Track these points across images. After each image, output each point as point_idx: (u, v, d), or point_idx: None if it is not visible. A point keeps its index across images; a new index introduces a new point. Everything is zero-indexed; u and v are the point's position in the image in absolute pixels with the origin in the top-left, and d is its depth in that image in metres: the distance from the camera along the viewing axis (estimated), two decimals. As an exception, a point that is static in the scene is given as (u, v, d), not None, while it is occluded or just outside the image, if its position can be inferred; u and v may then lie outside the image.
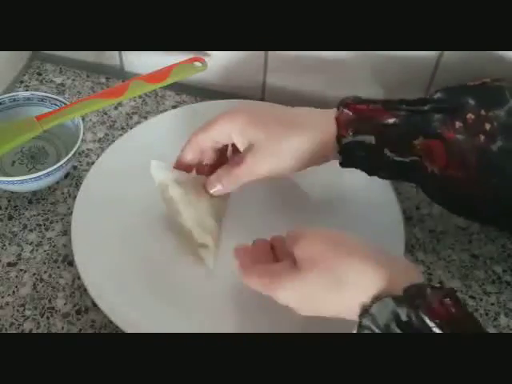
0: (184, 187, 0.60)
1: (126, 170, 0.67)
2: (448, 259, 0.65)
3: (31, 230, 0.67)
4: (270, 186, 0.64)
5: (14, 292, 0.62)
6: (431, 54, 0.68)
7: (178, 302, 0.59)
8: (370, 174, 0.59)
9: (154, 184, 0.61)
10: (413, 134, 0.55)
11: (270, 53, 0.74)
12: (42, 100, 0.71)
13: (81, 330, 0.59)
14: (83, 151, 0.73)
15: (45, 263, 0.64)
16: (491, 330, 0.60)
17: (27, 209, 0.68)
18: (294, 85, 0.76)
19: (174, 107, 0.78)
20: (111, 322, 0.57)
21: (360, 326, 0.46)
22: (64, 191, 0.70)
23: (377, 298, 0.45)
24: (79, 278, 0.60)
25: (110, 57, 0.81)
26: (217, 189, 0.60)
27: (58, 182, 0.70)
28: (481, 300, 0.63)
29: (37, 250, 0.65)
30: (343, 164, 0.58)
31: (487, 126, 0.53)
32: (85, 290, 0.59)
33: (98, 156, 0.69)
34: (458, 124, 0.54)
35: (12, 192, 0.69)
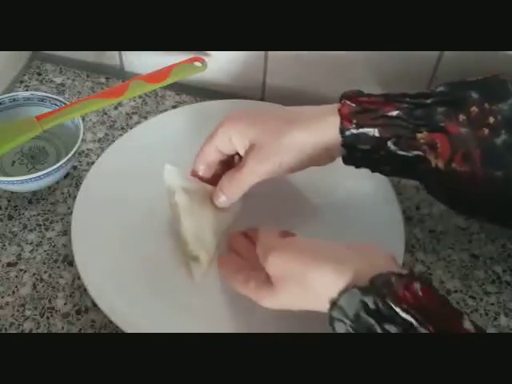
0: (190, 196, 0.60)
1: (126, 170, 0.67)
2: (448, 259, 0.65)
3: (31, 230, 0.67)
4: (268, 186, 0.64)
5: (13, 292, 0.62)
6: (431, 54, 0.68)
7: (178, 302, 0.59)
8: (373, 169, 0.58)
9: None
10: (416, 128, 0.54)
11: (270, 53, 0.74)
12: (42, 100, 0.71)
13: (81, 329, 0.59)
14: (83, 151, 0.74)
15: (45, 263, 0.64)
16: (491, 330, 0.60)
17: (27, 209, 0.68)
18: (294, 85, 0.76)
19: (174, 107, 0.78)
20: (111, 322, 0.57)
21: (331, 318, 0.47)
22: (64, 191, 0.70)
23: (343, 291, 0.46)
24: (79, 278, 0.60)
25: (110, 57, 0.81)
26: (221, 200, 0.59)
27: (58, 182, 0.70)
28: (481, 300, 0.63)
29: (37, 250, 0.65)
30: (346, 159, 0.57)
31: (491, 120, 0.52)
32: (85, 289, 0.59)
33: (98, 156, 0.69)
34: (461, 117, 0.53)
35: (12, 192, 0.69)
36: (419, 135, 0.54)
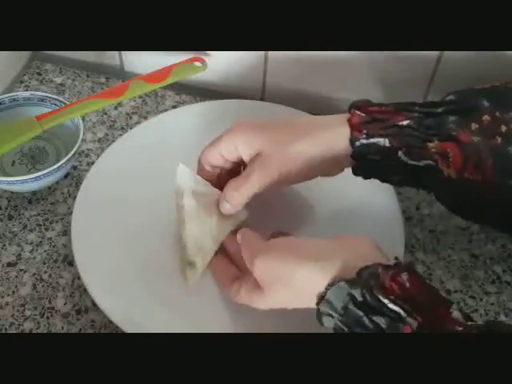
0: (198, 200, 0.59)
1: (126, 170, 0.67)
2: (448, 259, 0.65)
3: (31, 230, 0.67)
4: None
5: (13, 292, 0.62)
6: (431, 54, 0.68)
7: (178, 302, 0.59)
8: (383, 179, 0.58)
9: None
10: (427, 137, 0.54)
11: (270, 53, 0.74)
12: (42, 100, 0.71)
13: (81, 329, 0.59)
14: (83, 151, 0.74)
15: (45, 263, 0.64)
16: (491, 330, 0.60)
17: (27, 209, 0.68)
18: (294, 85, 0.76)
19: (174, 107, 0.78)
20: (111, 322, 0.57)
21: (319, 312, 0.48)
22: (64, 191, 0.70)
23: (331, 285, 0.46)
24: (79, 278, 0.60)
25: (110, 57, 0.81)
26: (226, 207, 0.58)
27: (57, 182, 0.70)
28: (481, 300, 0.63)
29: (37, 250, 0.65)
30: (356, 170, 0.57)
31: (503, 128, 0.52)
32: (85, 289, 0.59)
33: (98, 156, 0.69)
34: (473, 126, 0.53)
35: (12, 192, 0.69)
36: (430, 144, 0.54)
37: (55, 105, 0.71)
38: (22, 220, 0.67)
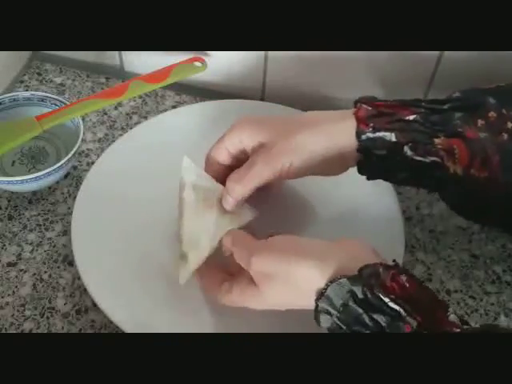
0: (199, 194, 0.58)
1: (126, 170, 0.67)
2: (448, 259, 0.65)
3: (31, 230, 0.67)
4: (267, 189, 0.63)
5: (13, 292, 0.62)
6: (431, 54, 0.68)
7: (178, 302, 0.59)
8: (387, 177, 0.58)
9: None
10: (433, 132, 0.53)
11: (270, 53, 0.74)
12: (42, 100, 0.71)
13: (81, 330, 0.59)
14: (83, 151, 0.74)
15: (45, 263, 0.64)
16: (491, 330, 0.60)
17: (27, 209, 0.68)
18: (294, 85, 0.76)
19: (174, 107, 0.78)
20: (111, 322, 0.57)
21: (316, 310, 0.47)
22: (64, 191, 0.70)
23: (332, 281, 0.46)
24: (79, 278, 0.60)
25: (110, 57, 0.81)
26: (228, 201, 0.57)
27: (58, 182, 0.70)
28: (481, 300, 0.63)
29: (37, 250, 0.65)
30: (360, 166, 0.56)
31: (509, 125, 0.52)
32: (85, 289, 0.59)
33: (98, 156, 0.69)
34: (480, 122, 0.52)
35: (12, 192, 0.69)
36: (436, 140, 0.53)
37: (55, 105, 0.71)
38: (22, 220, 0.67)
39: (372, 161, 0.55)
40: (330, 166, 0.56)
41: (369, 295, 0.45)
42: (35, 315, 0.60)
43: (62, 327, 0.60)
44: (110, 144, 0.71)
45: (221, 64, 0.76)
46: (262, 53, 0.74)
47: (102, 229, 0.63)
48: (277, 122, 0.57)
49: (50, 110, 0.69)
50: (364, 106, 0.55)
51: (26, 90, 0.80)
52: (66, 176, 0.71)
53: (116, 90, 0.71)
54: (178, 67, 0.73)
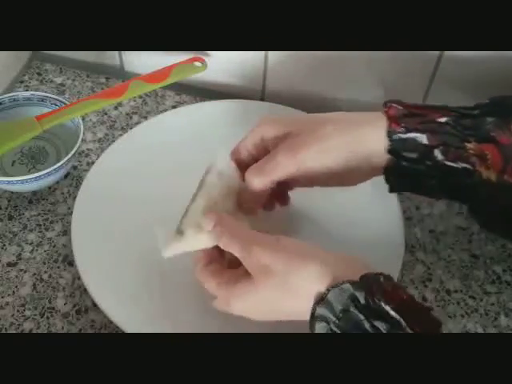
0: (221, 181, 0.56)
1: (126, 170, 0.67)
2: (448, 259, 0.65)
3: (31, 230, 0.67)
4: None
5: (14, 292, 0.62)
6: (431, 54, 0.68)
7: (178, 302, 0.59)
8: (417, 186, 0.55)
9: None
10: (465, 137, 0.52)
11: (270, 53, 0.74)
12: (42, 100, 0.71)
13: (81, 330, 0.59)
14: (83, 151, 0.74)
15: (45, 263, 0.64)
16: (491, 330, 0.60)
17: (27, 209, 0.68)
18: (294, 85, 0.76)
19: (174, 107, 0.78)
20: (111, 322, 0.57)
21: (313, 317, 0.47)
22: (64, 191, 0.70)
23: (333, 286, 0.46)
24: (79, 278, 0.60)
25: (110, 57, 0.81)
26: (251, 186, 0.54)
27: (58, 182, 0.70)
28: (481, 300, 0.63)
29: (37, 250, 0.65)
30: (389, 170, 0.54)
31: None
32: (85, 289, 0.59)
33: (98, 156, 0.69)
34: None
35: (12, 192, 0.69)
36: (468, 145, 0.52)
37: (55, 105, 0.71)
38: (22, 220, 0.67)
39: (401, 165, 0.53)
40: (354, 170, 0.54)
41: (371, 302, 0.44)
42: (35, 315, 0.60)
43: (62, 327, 0.60)
44: (109, 144, 0.71)
45: (221, 64, 0.76)
46: (262, 53, 0.74)
47: (102, 229, 0.63)
48: (301, 117, 0.57)
49: (50, 110, 0.69)
50: (394, 105, 0.53)
51: (26, 90, 0.80)
52: (66, 176, 0.71)
53: (116, 90, 0.71)
54: (178, 67, 0.73)
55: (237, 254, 0.50)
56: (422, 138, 0.52)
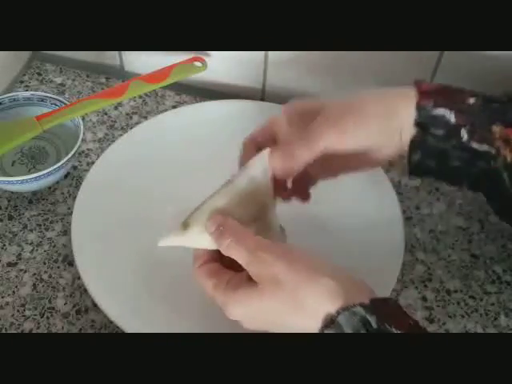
0: (247, 188, 0.52)
1: (126, 170, 0.67)
2: (448, 259, 0.65)
3: (31, 230, 0.67)
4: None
5: (14, 292, 0.62)
6: (431, 54, 0.68)
7: (179, 303, 0.59)
8: (438, 168, 0.54)
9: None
10: (492, 119, 0.52)
11: (270, 53, 0.74)
12: (42, 100, 0.71)
13: (81, 329, 0.59)
14: (83, 151, 0.74)
15: (45, 263, 0.64)
16: (491, 330, 0.60)
17: (27, 209, 0.68)
18: (294, 85, 0.76)
19: (174, 107, 0.78)
20: (111, 322, 0.57)
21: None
22: (64, 191, 0.70)
23: (345, 308, 0.44)
24: (79, 278, 0.60)
25: (110, 57, 0.81)
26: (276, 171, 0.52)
27: (58, 182, 0.70)
28: (481, 300, 0.63)
29: (37, 250, 0.65)
30: (414, 146, 0.53)
31: None
32: (85, 289, 0.59)
33: (98, 156, 0.69)
34: None
35: (12, 192, 0.69)
36: (494, 128, 0.51)
37: (55, 105, 0.71)
38: (22, 220, 0.67)
39: (427, 142, 0.53)
40: (383, 145, 0.53)
41: (381, 326, 0.43)
42: (35, 315, 0.60)
43: (62, 327, 0.60)
44: (109, 144, 0.71)
45: (221, 64, 0.76)
46: (262, 53, 0.74)
47: (102, 229, 0.63)
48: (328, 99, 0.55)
49: (50, 110, 0.69)
50: (425, 83, 0.53)
51: (26, 90, 0.80)
52: (66, 176, 0.71)
53: (116, 90, 0.71)
54: (178, 67, 0.73)
55: (241, 260, 0.48)
56: (451, 117, 0.52)
